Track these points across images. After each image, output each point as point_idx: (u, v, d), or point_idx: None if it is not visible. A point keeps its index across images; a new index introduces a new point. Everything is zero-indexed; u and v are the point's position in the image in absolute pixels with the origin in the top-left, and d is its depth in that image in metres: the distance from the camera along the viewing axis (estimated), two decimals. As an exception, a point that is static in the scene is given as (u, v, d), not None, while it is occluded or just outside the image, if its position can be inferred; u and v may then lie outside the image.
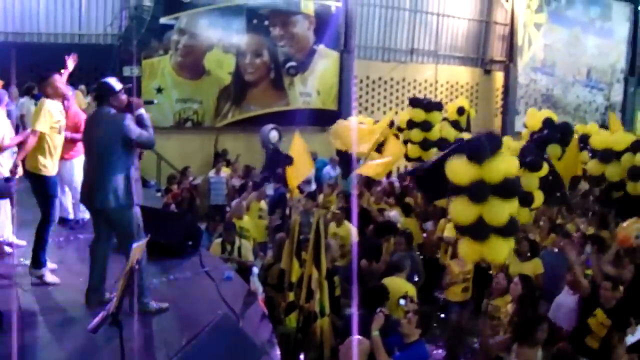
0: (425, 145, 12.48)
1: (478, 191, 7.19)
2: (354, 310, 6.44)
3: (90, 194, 5.54)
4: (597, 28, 23.94)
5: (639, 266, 8.00)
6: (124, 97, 5.66)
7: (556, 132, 11.17)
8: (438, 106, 12.92)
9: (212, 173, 13.25)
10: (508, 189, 7.22)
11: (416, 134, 12.59)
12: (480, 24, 21.42)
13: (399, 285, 7.22)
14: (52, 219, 6.11)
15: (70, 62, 7.09)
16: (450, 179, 7.48)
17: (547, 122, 11.57)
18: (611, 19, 24.23)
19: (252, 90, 16.78)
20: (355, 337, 5.68)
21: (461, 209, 7.37)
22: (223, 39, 16.19)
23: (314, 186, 13.71)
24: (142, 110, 5.67)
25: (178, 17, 15.60)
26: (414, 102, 13.01)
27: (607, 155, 10.64)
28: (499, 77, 22.03)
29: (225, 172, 13.44)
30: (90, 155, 5.69)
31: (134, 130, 5.46)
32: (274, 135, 15.31)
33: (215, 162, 14.23)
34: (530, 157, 9.10)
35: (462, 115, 13.35)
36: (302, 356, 7.09)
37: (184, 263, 7.32)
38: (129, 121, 5.47)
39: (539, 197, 9.12)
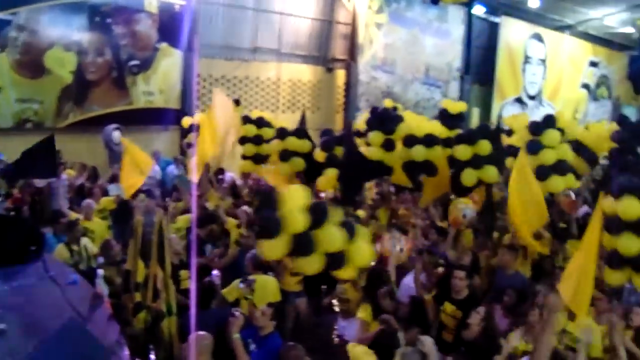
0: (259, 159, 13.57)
1: None
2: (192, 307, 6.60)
3: None
4: (435, 29, 26.18)
5: (476, 254, 9.45)
6: None
7: (378, 119, 11.80)
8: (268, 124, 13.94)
9: (53, 176, 13.79)
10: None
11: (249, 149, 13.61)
12: (322, 23, 22.94)
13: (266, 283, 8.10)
14: None
15: None
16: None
17: (374, 109, 12.31)
18: (447, 21, 26.58)
19: (94, 90, 17.18)
20: (198, 333, 6.01)
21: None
22: (64, 36, 16.48)
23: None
24: None
25: (16, 13, 15.71)
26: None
27: (411, 141, 11.33)
28: (340, 75, 23.75)
29: (68, 174, 13.99)
30: None
31: None
32: (116, 135, 15.92)
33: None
34: None
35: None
36: (152, 356, 7.38)
37: (28, 269, 7.31)
38: None
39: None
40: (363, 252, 6.63)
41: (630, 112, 29.94)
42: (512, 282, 8.42)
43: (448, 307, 7.54)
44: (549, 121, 11.53)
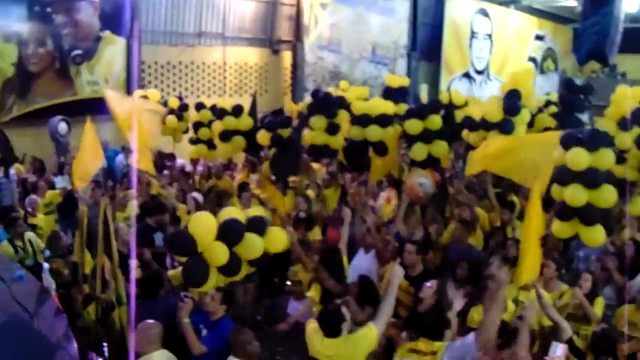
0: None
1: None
2: (132, 297, 6.75)
3: None
4: (380, 7, 26.35)
5: (427, 228, 9.67)
6: None
7: (320, 103, 12.16)
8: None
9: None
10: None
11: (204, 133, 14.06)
12: (267, 5, 23.09)
13: None
14: None
15: None
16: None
17: (314, 93, 12.76)
18: (393, -1, 26.82)
19: (38, 82, 17.06)
20: (146, 321, 6.13)
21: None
22: (3, 27, 16.26)
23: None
24: None
25: (-49, 6, 15.51)
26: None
27: (365, 120, 11.70)
28: (287, 56, 24.07)
29: (17, 169, 13.94)
30: None
31: None
32: (62, 127, 15.95)
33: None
34: None
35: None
36: (105, 348, 7.53)
37: (-26, 267, 7.17)
38: None
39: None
40: (277, 239, 6.80)
41: (576, 84, 30.60)
42: (466, 256, 8.65)
43: (402, 282, 7.40)
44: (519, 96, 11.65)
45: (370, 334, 6.00)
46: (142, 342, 5.96)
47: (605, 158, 8.41)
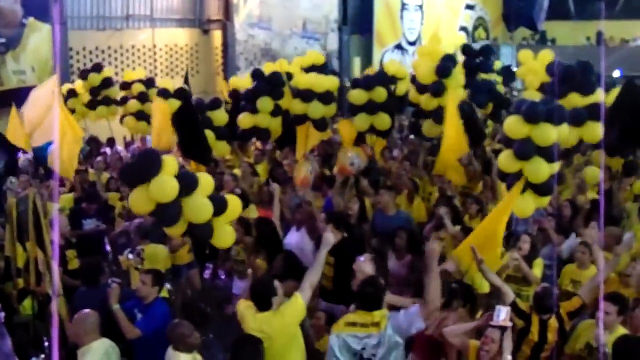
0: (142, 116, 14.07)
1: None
2: (55, 286, 6.92)
3: None
4: (310, -18, 26.57)
5: (363, 200, 9.79)
6: None
7: (266, 84, 12.27)
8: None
9: None
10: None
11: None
12: (194, -15, 23.04)
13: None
14: None
15: None
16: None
17: (256, 73, 12.88)
18: (322, -27, 26.94)
19: None
20: (83, 311, 6.10)
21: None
22: None
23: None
24: None
25: None
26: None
27: (308, 96, 11.83)
28: (217, 36, 24.02)
29: None
30: None
31: None
32: (-9, 119, 15.80)
33: None
34: None
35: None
36: (46, 343, 7.46)
37: None
38: None
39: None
40: (226, 234, 7.19)
41: (507, 52, 31.27)
42: (396, 223, 8.76)
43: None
44: (454, 62, 12.10)
45: (297, 303, 6.13)
46: (79, 334, 5.97)
47: (544, 133, 8.26)
